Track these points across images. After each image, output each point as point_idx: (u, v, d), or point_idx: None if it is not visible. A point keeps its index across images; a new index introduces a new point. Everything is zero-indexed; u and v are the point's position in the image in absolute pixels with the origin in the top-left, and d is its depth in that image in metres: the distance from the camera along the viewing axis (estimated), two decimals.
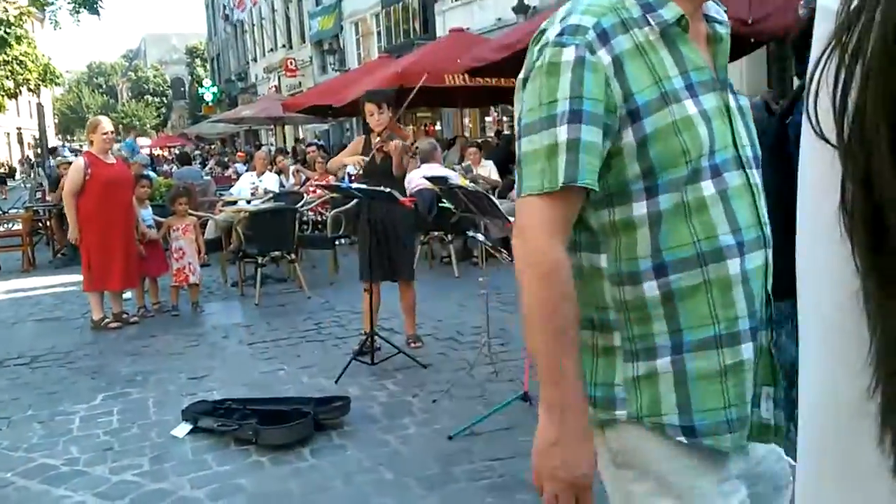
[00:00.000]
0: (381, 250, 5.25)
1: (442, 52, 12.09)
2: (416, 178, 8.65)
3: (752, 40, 8.27)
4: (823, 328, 0.58)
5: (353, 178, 9.01)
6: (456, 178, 4.57)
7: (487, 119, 24.99)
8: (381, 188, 5.11)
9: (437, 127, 27.01)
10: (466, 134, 16.47)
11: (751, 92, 13.27)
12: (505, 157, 13.03)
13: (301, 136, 35.08)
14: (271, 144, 28.33)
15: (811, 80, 0.51)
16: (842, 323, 0.53)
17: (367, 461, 3.71)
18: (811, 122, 0.52)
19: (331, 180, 10.00)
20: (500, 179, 9.76)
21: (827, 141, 0.50)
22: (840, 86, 0.47)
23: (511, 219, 4.68)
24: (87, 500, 3.48)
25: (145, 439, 4.16)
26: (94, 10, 23.08)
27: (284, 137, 32.69)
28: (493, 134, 20.20)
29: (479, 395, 4.53)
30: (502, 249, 4.21)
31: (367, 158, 5.26)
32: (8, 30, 23.18)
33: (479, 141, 11.49)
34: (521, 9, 19.59)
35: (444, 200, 4.86)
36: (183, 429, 4.21)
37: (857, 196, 0.47)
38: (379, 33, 29.54)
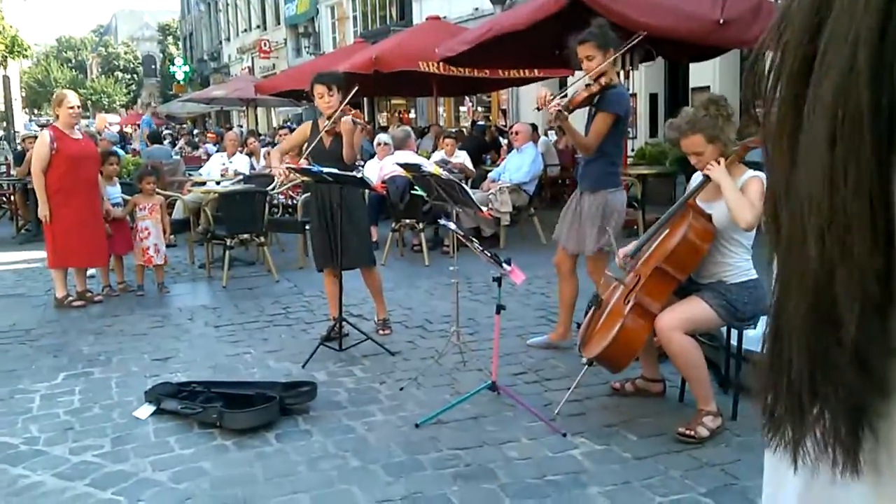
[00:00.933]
0: (334, 237, 5.10)
1: (419, 39, 12.02)
2: (389, 165, 8.61)
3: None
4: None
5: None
6: (429, 165, 4.54)
7: (462, 108, 24.96)
8: (353, 174, 5.06)
9: (412, 115, 26.93)
10: (441, 123, 16.41)
11: (724, 90, 13.35)
12: (479, 147, 13.03)
13: (274, 119, 34.78)
14: (241, 126, 28.00)
15: (752, 68, 0.54)
16: None
17: (333, 447, 3.69)
18: (746, 103, 0.56)
19: (302, 163, 9.92)
20: (473, 169, 9.74)
21: (757, 123, 0.54)
22: (770, 79, 0.50)
23: (483, 208, 4.68)
24: (46, 480, 3.42)
25: (107, 420, 4.10)
26: None
27: (256, 119, 32.35)
28: (468, 124, 20.17)
29: (447, 383, 4.52)
30: (473, 238, 4.20)
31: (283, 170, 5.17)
32: None
33: (454, 131, 11.46)
34: None
35: (417, 187, 4.81)
36: (146, 410, 4.15)
37: (770, 174, 0.52)
38: (355, 18, 29.33)
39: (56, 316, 6.39)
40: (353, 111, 5.20)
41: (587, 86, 4.51)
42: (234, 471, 3.48)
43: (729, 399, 3.93)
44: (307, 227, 8.41)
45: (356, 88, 5.24)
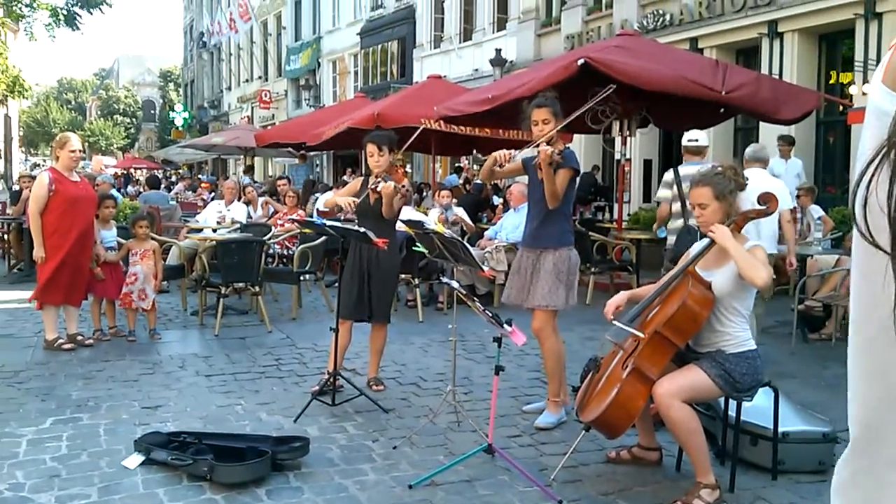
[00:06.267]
0: (364, 290, 5.33)
1: (420, 97, 12.17)
2: None
3: (722, 110, 8.71)
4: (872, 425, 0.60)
5: (321, 214, 8.96)
6: (431, 223, 4.58)
7: (457, 165, 25.14)
8: (355, 228, 5.08)
9: (408, 169, 27.13)
10: (438, 180, 16.54)
11: (717, 157, 13.58)
12: (475, 204, 13.12)
13: (271, 169, 34.99)
14: (237, 174, 28.14)
15: (859, 183, 0.50)
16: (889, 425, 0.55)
17: None
18: (860, 227, 0.51)
19: (303, 216, 9.95)
20: (473, 225, 9.79)
21: (879, 247, 0.50)
22: (895, 193, 0.47)
23: (485, 268, 4.70)
24: None
25: (95, 468, 4.02)
26: (74, 26, 22.79)
27: (253, 168, 32.58)
28: (461, 181, 20.31)
29: (441, 443, 4.47)
30: (475, 298, 4.20)
31: (358, 200, 5.26)
32: None
33: (450, 188, 11.53)
34: (498, 61, 19.95)
35: (419, 244, 4.84)
36: (135, 460, 4.08)
37: None
38: (356, 73, 29.77)
39: (45, 358, 6.32)
40: (399, 174, 5.37)
41: (549, 144, 4.62)
42: None
43: (726, 471, 3.89)
44: (301, 278, 8.42)
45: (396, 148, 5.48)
